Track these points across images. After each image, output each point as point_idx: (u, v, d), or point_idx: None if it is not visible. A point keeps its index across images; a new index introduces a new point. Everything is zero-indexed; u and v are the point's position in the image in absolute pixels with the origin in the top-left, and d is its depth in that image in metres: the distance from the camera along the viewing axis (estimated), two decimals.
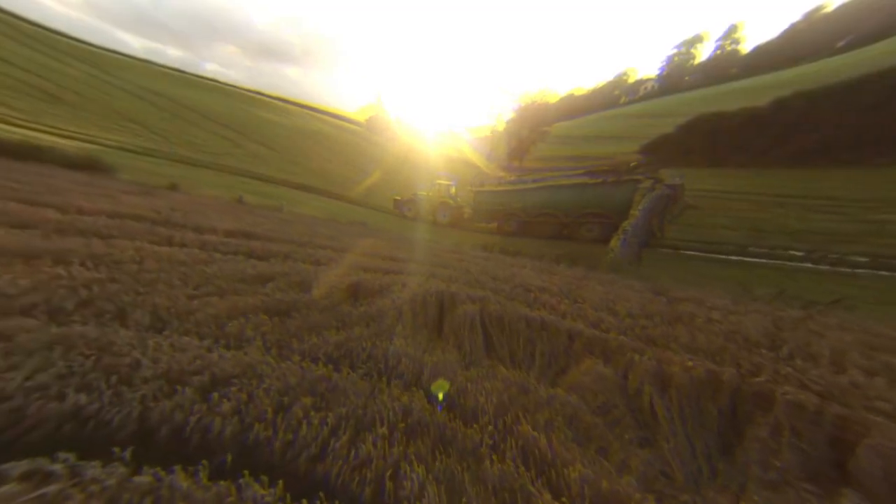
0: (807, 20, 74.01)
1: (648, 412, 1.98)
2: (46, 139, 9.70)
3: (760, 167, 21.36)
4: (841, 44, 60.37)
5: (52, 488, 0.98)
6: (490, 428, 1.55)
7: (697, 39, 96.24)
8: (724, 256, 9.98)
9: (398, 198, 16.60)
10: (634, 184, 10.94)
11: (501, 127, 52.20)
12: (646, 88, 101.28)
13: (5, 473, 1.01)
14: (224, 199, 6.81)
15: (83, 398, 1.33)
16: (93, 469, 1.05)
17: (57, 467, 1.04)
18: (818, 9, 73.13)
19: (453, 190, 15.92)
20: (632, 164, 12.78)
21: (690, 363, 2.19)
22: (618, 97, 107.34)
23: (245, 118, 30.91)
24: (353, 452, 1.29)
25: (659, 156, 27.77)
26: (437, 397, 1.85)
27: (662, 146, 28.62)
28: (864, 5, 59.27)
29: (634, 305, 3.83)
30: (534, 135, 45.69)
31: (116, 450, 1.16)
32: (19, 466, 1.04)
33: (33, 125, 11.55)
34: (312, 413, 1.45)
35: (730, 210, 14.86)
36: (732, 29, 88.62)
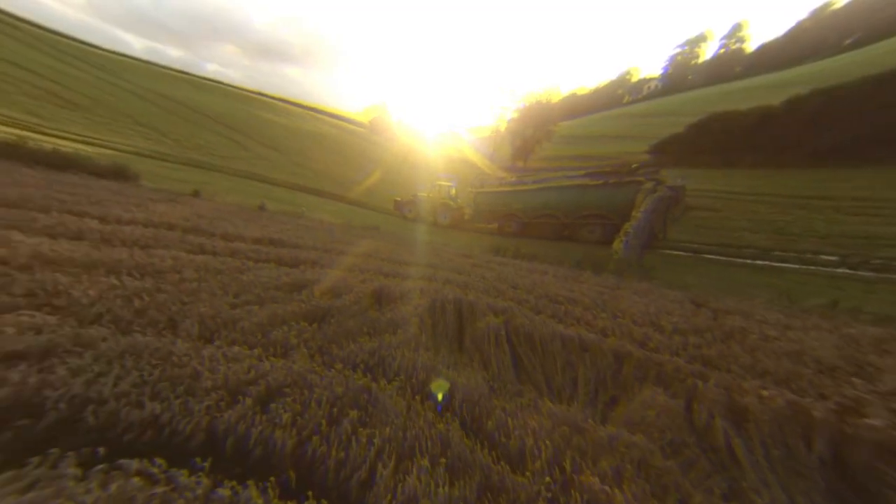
0: (813, 18, 73.28)
1: (725, 452, 1.69)
2: (72, 146, 9.97)
3: (776, 167, 20.90)
4: (849, 41, 59.74)
5: (159, 490, 1.10)
6: (547, 478, 1.35)
7: (701, 38, 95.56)
8: (749, 261, 9.60)
9: (398, 199, 16.58)
10: (636, 185, 10.98)
11: (503, 127, 52.09)
12: (649, 88, 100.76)
13: (124, 467, 1.15)
14: (245, 205, 6.98)
15: (157, 407, 1.43)
16: (181, 477, 1.14)
17: (154, 471, 1.15)
18: (825, 6, 72.28)
19: (453, 191, 15.96)
20: (633, 166, 12.72)
21: (765, 392, 1.90)
22: (621, 96, 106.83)
23: (250, 120, 31.24)
24: (400, 487, 1.25)
25: (669, 155, 27.45)
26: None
27: (672, 146, 28.24)
28: (872, 3, 58.54)
29: (678, 319, 3.55)
30: (539, 134, 45.53)
31: (197, 460, 1.24)
32: (132, 464, 1.18)
33: (57, 132, 11.85)
34: (360, 429, 1.47)
35: (749, 212, 14.40)
36: (737, 27, 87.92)
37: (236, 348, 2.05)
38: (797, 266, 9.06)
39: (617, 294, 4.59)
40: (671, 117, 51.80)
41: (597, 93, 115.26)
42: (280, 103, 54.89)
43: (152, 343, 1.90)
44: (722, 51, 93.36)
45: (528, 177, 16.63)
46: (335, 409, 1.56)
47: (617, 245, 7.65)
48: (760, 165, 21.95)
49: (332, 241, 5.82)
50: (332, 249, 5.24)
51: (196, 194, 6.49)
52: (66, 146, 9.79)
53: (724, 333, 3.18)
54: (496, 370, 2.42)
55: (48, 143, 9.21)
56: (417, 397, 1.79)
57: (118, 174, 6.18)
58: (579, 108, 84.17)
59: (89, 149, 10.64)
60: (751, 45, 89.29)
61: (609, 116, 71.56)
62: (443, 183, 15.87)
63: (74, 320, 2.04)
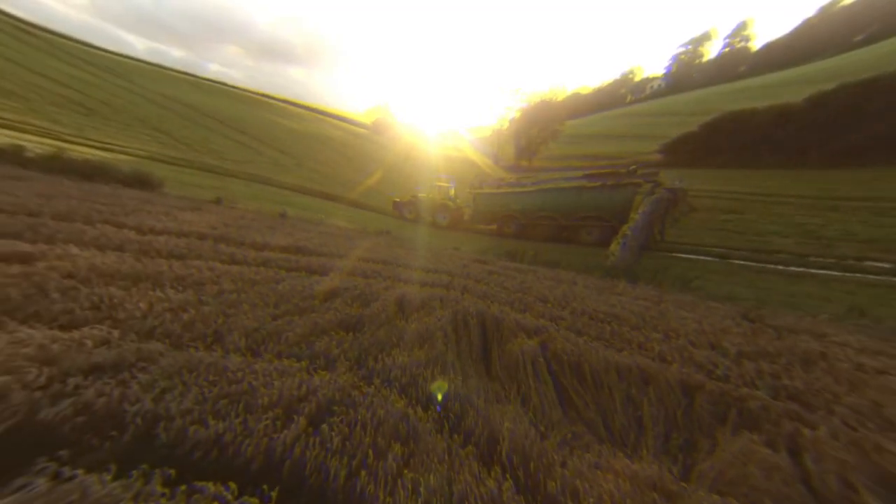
0: (821, 15, 72.27)
1: None
2: (94, 154, 10.23)
3: (798, 167, 20.15)
4: (859, 38, 58.78)
5: None
6: None
7: (706, 37, 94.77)
8: (782, 267, 8.95)
9: (397, 199, 16.52)
10: (634, 187, 11.06)
11: (505, 126, 51.97)
12: (652, 87, 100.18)
13: (203, 491, 1.18)
14: (265, 212, 7.12)
15: (220, 426, 1.45)
16: None
17: (228, 497, 1.17)
18: (834, 3, 71.20)
19: (452, 192, 16.05)
20: (631, 167, 12.58)
21: None
22: (624, 96, 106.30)
23: (259, 123, 31.63)
24: None
25: (680, 155, 26.97)
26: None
27: (684, 145, 27.65)
28: None
29: (739, 340, 3.18)
30: (544, 133, 45.38)
31: (264, 488, 1.25)
32: (208, 488, 1.20)
33: (79, 140, 12.16)
34: (405, 471, 1.40)
35: (774, 214, 13.70)
36: (742, 26, 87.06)
37: (285, 361, 2.13)
38: (839, 273, 8.27)
39: (662, 309, 4.20)
40: (677, 117, 51.43)
41: (599, 92, 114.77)
42: (285, 105, 55.43)
43: (205, 358, 1.98)
44: (727, 50, 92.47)
45: (526, 178, 16.73)
46: (379, 438, 1.54)
47: (614, 247, 7.50)
48: (780, 165, 21.22)
49: (352, 247, 5.94)
50: (354, 256, 5.36)
51: (218, 202, 6.64)
52: (89, 153, 10.06)
53: (800, 359, 2.76)
54: (538, 405, 2.11)
55: (73, 150, 9.50)
56: (457, 437, 1.65)
57: (143, 182, 6.37)
58: (582, 107, 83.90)
59: (108, 155, 10.91)
60: (756, 44, 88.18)
61: (613, 116, 71.23)
62: (441, 184, 15.85)
63: (133, 334, 2.16)
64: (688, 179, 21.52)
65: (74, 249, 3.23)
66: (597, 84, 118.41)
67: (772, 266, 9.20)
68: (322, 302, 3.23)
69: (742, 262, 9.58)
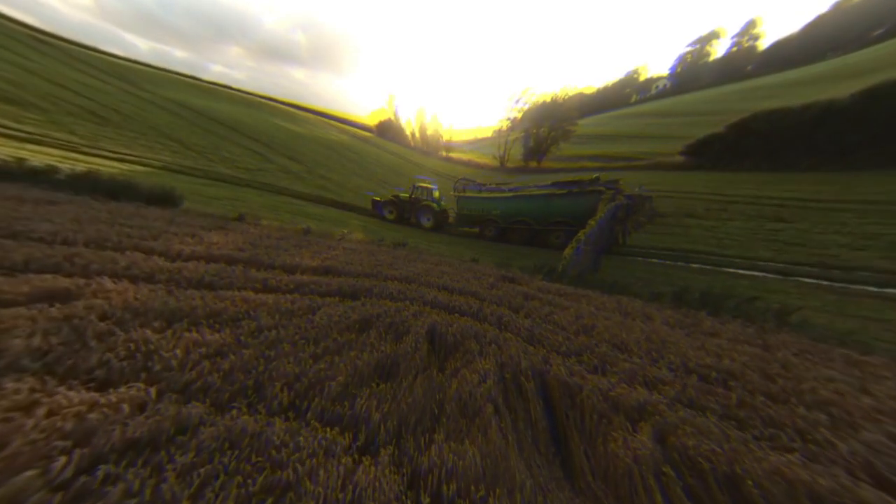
0: (834, 11, 70.97)
1: None
2: (111, 166, 10.24)
3: (844, 169, 18.50)
4: (879, 32, 57.46)
5: None
6: None
7: (713, 36, 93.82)
8: (875, 289, 7.47)
9: (377, 199, 16.05)
10: (597, 194, 11.65)
11: (506, 126, 51.69)
12: (658, 87, 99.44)
13: None
14: (287, 228, 6.99)
15: None
16: None
17: None
18: None
19: (436, 193, 16.14)
20: (594, 176, 13.57)
21: None
22: (628, 95, 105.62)
23: (268, 129, 31.79)
24: None
25: (705, 158, 25.98)
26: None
27: (709, 147, 26.31)
28: None
29: None
30: (554, 134, 44.99)
31: None
32: None
33: (96, 151, 12.21)
34: None
35: (835, 223, 12.11)
36: (751, 24, 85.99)
37: (328, 433, 1.90)
38: None
39: (783, 360, 3.21)
40: (688, 117, 50.78)
41: (604, 92, 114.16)
42: (290, 109, 55.75)
43: (248, 425, 1.81)
44: (734, 49, 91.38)
45: (505, 184, 17.55)
46: None
47: (568, 251, 7.67)
48: (820, 168, 19.61)
49: (376, 263, 5.78)
50: (379, 274, 5.20)
51: (240, 218, 6.52)
52: (107, 166, 10.08)
53: None
54: None
55: (92, 164, 9.53)
56: None
57: (164, 199, 6.28)
58: (587, 106, 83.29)
59: (125, 167, 10.92)
60: (764, 43, 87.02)
61: (620, 116, 70.65)
62: (424, 184, 15.81)
63: (171, 392, 1.99)
64: (717, 184, 20.88)
65: (108, 283, 3.11)
66: (601, 84, 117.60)
67: (858, 286, 7.67)
68: (358, 334, 3.07)
69: (813, 281, 8.24)
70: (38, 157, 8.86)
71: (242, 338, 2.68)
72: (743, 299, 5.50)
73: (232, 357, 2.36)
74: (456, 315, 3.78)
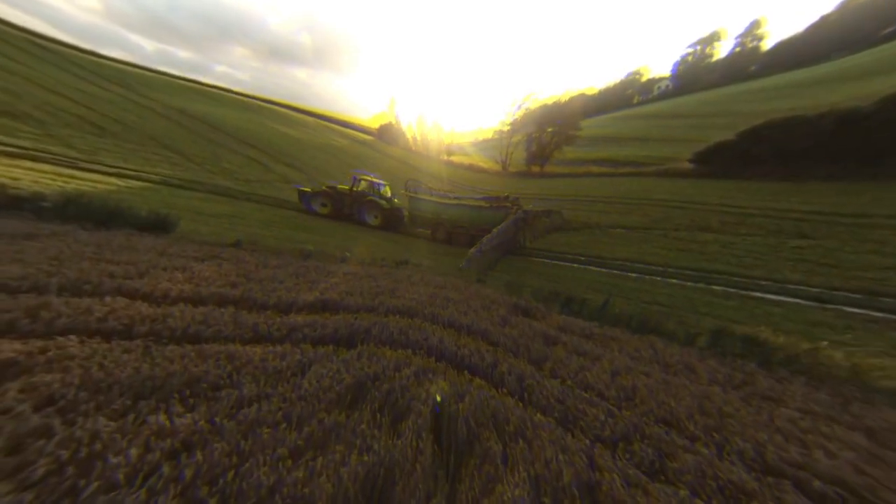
0: (841, 10, 70.38)
1: None
2: (108, 182, 10.01)
3: (868, 179, 17.38)
4: (888, 31, 56.89)
5: None
6: None
7: (715, 37, 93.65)
8: None
9: (306, 189, 15.13)
10: (507, 209, 14.55)
11: (506, 128, 51.48)
12: (660, 88, 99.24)
13: None
14: (285, 249, 6.69)
15: None
16: None
17: None
18: None
19: (387, 190, 15.95)
20: (505, 195, 17.06)
21: None
22: (630, 97, 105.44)
23: (268, 135, 31.68)
24: None
25: (716, 165, 25.43)
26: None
27: (719, 155, 25.67)
28: None
29: None
30: (557, 138, 44.76)
31: None
32: None
33: (93, 165, 12.00)
34: None
35: (871, 241, 10.91)
36: (755, 24, 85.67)
37: None
38: None
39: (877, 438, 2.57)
40: (691, 119, 50.35)
41: (606, 93, 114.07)
42: (291, 112, 55.79)
43: None
44: (737, 49, 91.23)
45: (450, 192, 19.08)
46: None
47: (471, 252, 9.24)
48: (841, 177, 18.52)
49: (377, 291, 5.45)
50: (380, 307, 4.86)
51: (237, 244, 6.22)
52: (105, 182, 9.85)
53: None
54: None
55: (89, 181, 9.29)
56: None
57: (158, 226, 5.98)
58: (588, 108, 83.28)
59: (122, 183, 10.69)
60: (768, 44, 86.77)
61: (622, 117, 70.35)
62: (368, 178, 15.47)
63: None
64: (729, 194, 20.37)
65: (73, 345, 2.77)
66: (603, 85, 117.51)
67: None
68: (349, 411, 2.52)
69: (860, 312, 7.05)
70: (31, 175, 8.63)
71: (217, 418, 2.28)
72: (801, 351, 4.53)
73: (199, 456, 1.88)
74: (466, 374, 3.23)
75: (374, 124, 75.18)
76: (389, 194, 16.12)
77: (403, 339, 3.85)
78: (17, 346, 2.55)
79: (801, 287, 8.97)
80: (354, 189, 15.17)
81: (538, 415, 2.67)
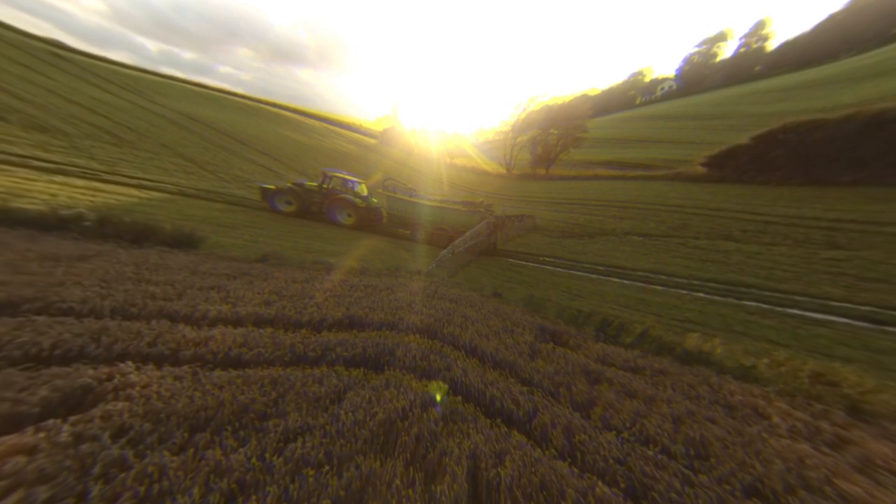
0: (850, 8, 69.42)
1: None
2: (129, 194, 10.30)
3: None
4: None
5: None
6: None
7: (721, 37, 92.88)
8: None
9: (270, 187, 13.98)
10: (481, 213, 15.32)
11: (508, 127, 51.41)
12: (663, 89, 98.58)
13: None
14: (307, 264, 6.88)
15: None
16: None
17: None
18: None
19: (363, 188, 15.81)
20: (480, 200, 18.81)
21: None
22: (633, 97, 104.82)
23: (276, 141, 32.10)
24: None
25: (729, 169, 24.82)
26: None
27: (733, 159, 24.89)
28: None
29: None
30: (564, 140, 44.53)
31: None
32: None
33: (115, 177, 12.33)
34: None
35: None
36: (760, 25, 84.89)
37: None
38: None
39: None
40: (697, 120, 49.98)
41: (609, 93, 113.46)
42: (297, 116, 56.32)
43: None
44: (742, 49, 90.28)
45: (427, 193, 19.02)
46: None
47: (442, 253, 9.78)
48: (868, 182, 17.43)
49: (396, 306, 5.59)
50: (400, 323, 4.97)
51: (263, 260, 6.42)
52: (127, 195, 10.16)
53: None
54: None
55: (114, 193, 9.57)
56: None
57: (186, 242, 6.21)
58: (593, 109, 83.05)
59: (143, 194, 10.99)
60: (773, 44, 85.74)
61: (626, 118, 69.98)
62: (340, 175, 15.14)
63: None
64: (746, 200, 19.59)
65: (132, 371, 2.96)
66: (605, 86, 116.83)
67: None
68: (383, 459, 2.43)
69: None
70: (65, 190, 8.96)
71: (267, 455, 2.36)
72: None
73: (253, 500, 1.92)
74: (500, 424, 2.82)
75: (379, 127, 75.88)
76: (366, 193, 15.81)
77: (426, 365, 3.83)
78: (90, 371, 2.74)
79: (846, 305, 8.12)
80: (325, 187, 14.32)
81: (599, 483, 2.15)
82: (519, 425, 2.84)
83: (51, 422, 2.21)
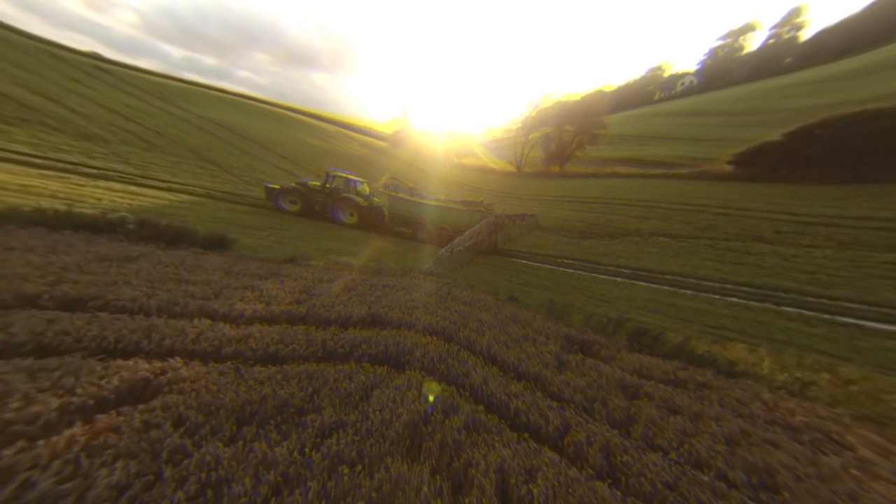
0: None
1: None
2: (161, 197, 10.96)
3: None
4: None
5: None
6: None
7: (748, 28, 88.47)
8: None
9: (275, 187, 14.18)
10: (481, 212, 15.50)
11: (517, 125, 50.70)
12: (683, 84, 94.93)
13: None
14: (332, 266, 7.14)
15: None
16: None
17: None
18: None
19: (365, 187, 15.95)
20: (480, 199, 18.64)
21: None
22: (652, 93, 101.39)
23: (298, 146, 33.11)
24: None
25: (759, 167, 23.68)
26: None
27: (764, 156, 23.69)
28: None
29: None
30: (579, 137, 43.50)
31: None
32: None
33: (148, 181, 13.14)
34: None
35: None
36: (794, 13, 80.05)
37: None
38: None
39: None
40: (720, 117, 47.91)
41: (626, 89, 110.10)
42: (315, 122, 57.79)
43: None
44: (771, 40, 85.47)
45: (427, 193, 18.90)
46: None
47: (440, 252, 9.81)
48: None
49: (413, 306, 5.70)
50: (416, 323, 5.01)
51: (291, 260, 6.71)
52: (159, 198, 10.81)
53: None
54: None
55: (148, 197, 10.19)
56: None
57: (219, 244, 6.56)
58: (609, 105, 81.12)
59: (173, 197, 11.63)
60: (807, 34, 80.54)
61: (644, 115, 67.80)
62: (343, 174, 15.35)
63: None
64: (779, 199, 18.51)
65: (181, 366, 3.19)
66: (622, 82, 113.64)
67: None
68: (410, 464, 2.41)
69: None
70: (108, 194, 9.64)
71: (307, 450, 2.44)
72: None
73: (297, 494, 2.02)
74: (527, 439, 2.60)
75: (389, 129, 76.95)
76: (368, 192, 15.89)
77: (444, 368, 3.83)
78: (146, 365, 2.99)
79: None
80: (328, 186, 14.64)
81: None
82: (549, 441, 2.66)
83: (125, 408, 2.46)
